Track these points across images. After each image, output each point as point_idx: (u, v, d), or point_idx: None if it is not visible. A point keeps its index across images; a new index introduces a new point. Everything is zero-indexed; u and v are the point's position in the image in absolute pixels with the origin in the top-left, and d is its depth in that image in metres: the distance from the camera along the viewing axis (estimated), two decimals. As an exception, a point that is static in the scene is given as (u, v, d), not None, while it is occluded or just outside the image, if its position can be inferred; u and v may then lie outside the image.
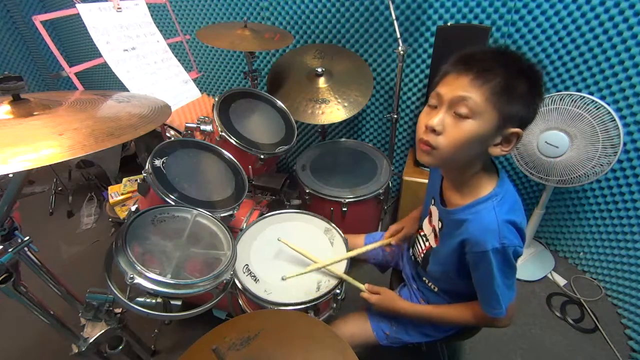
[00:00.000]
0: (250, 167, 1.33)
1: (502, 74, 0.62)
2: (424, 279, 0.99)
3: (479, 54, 0.66)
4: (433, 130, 0.67)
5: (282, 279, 0.89)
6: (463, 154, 0.68)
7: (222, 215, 1.10)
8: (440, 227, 0.85)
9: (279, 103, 1.52)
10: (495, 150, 0.67)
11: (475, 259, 0.72)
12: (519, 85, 0.63)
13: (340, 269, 1.04)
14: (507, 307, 0.75)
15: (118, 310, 1.03)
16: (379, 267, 1.26)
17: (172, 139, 1.29)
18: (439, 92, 0.67)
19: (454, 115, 0.65)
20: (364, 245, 1.20)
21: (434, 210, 0.89)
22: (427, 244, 0.93)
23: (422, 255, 0.94)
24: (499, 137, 0.66)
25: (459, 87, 0.64)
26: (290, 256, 1.10)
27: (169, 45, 1.56)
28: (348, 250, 1.11)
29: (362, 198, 1.47)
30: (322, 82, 1.68)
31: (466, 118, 0.64)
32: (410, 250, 1.05)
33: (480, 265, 0.72)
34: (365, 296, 0.97)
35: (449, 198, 0.81)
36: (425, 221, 0.95)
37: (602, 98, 1.40)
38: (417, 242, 0.99)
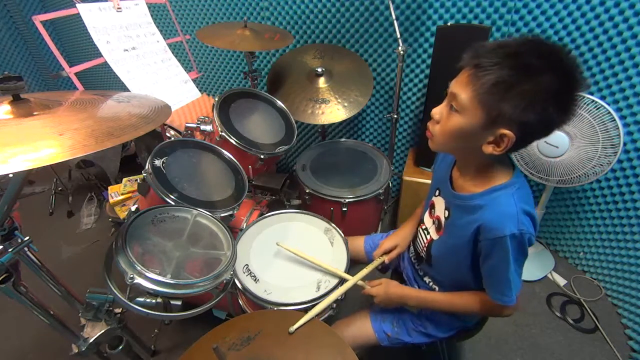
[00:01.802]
0: (250, 167, 1.33)
1: (496, 72, 0.59)
2: (425, 279, 0.99)
3: (483, 49, 0.63)
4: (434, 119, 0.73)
5: (290, 332, 0.82)
6: (453, 144, 0.73)
7: (222, 215, 1.10)
8: (446, 216, 0.84)
9: (279, 103, 1.52)
10: (488, 149, 0.67)
11: (491, 245, 0.71)
12: (518, 84, 0.58)
13: (340, 269, 1.04)
14: (516, 296, 0.75)
15: (118, 310, 1.03)
16: (378, 267, 1.26)
17: (172, 139, 1.29)
18: (449, 85, 0.70)
19: (450, 108, 0.69)
20: (363, 246, 1.20)
21: (439, 201, 0.88)
22: (428, 236, 0.93)
23: (425, 249, 0.93)
24: (490, 136, 0.65)
25: (457, 83, 0.67)
26: (290, 256, 1.10)
27: (169, 45, 1.56)
28: (348, 251, 1.11)
29: (362, 198, 1.47)
30: (322, 82, 1.68)
31: (455, 112, 0.67)
32: (412, 247, 1.05)
33: (495, 251, 0.71)
34: (367, 290, 0.96)
35: (461, 185, 0.80)
36: (426, 214, 0.95)
37: (602, 98, 1.40)
38: (419, 236, 0.99)
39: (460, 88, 0.65)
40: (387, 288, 0.94)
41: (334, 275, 1.03)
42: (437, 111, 0.72)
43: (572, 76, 0.59)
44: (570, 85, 0.59)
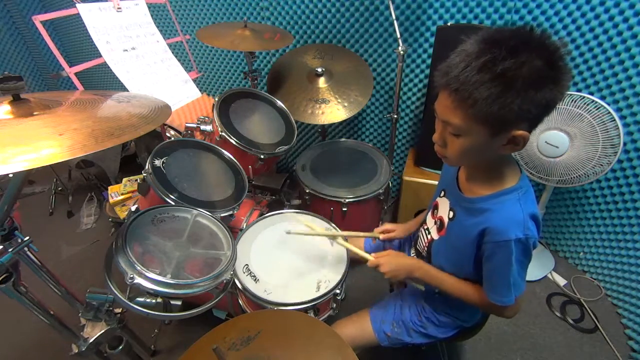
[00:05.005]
0: (250, 167, 1.33)
1: (479, 89, 0.58)
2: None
3: (455, 70, 0.61)
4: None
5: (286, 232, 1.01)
6: (471, 159, 0.74)
7: (222, 215, 1.10)
8: (451, 217, 0.84)
9: (279, 103, 1.52)
10: (507, 150, 0.67)
11: (494, 248, 0.72)
12: (507, 89, 0.57)
13: (341, 263, 1.04)
14: (517, 297, 0.76)
15: (118, 310, 1.03)
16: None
17: (172, 139, 1.29)
18: (434, 108, 0.70)
19: (450, 134, 0.68)
20: (363, 247, 1.20)
21: (443, 202, 0.89)
22: (429, 236, 0.93)
23: (426, 248, 0.94)
24: (504, 139, 0.65)
25: (443, 110, 0.66)
26: (291, 256, 1.10)
27: (169, 45, 1.56)
28: (348, 251, 1.11)
29: (362, 198, 1.47)
30: (322, 82, 1.68)
31: (458, 136, 0.67)
32: (413, 248, 1.05)
33: (498, 254, 0.72)
34: (373, 262, 0.92)
35: (469, 188, 0.80)
36: (429, 215, 0.96)
37: (602, 98, 1.40)
38: (420, 236, 0.99)
39: (449, 114, 0.65)
40: (395, 258, 0.92)
41: (341, 245, 1.04)
42: (437, 137, 0.72)
43: (548, 49, 0.57)
44: (551, 57, 0.57)
